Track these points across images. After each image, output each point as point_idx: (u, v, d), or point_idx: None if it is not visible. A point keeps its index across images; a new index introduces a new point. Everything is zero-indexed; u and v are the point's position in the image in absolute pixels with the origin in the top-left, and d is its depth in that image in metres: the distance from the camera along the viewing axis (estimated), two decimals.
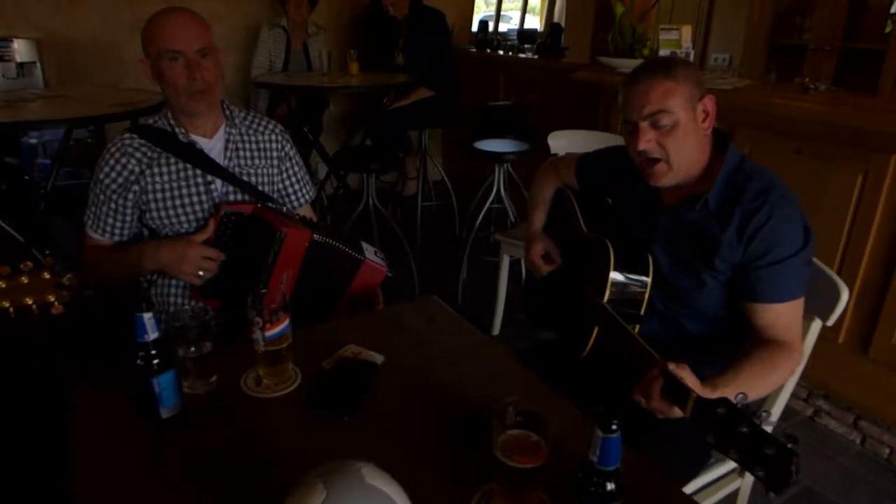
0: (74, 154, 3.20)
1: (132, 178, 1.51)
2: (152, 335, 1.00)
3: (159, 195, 1.53)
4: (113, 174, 1.51)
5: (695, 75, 1.27)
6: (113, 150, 1.52)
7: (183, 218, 1.54)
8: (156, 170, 1.52)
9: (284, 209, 1.64)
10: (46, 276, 1.04)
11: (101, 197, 1.53)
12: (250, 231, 1.49)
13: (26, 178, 3.20)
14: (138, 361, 1.00)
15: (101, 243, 1.58)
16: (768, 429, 1.43)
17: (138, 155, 1.52)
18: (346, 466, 0.68)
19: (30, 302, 1.03)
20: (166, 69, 1.46)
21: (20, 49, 3.39)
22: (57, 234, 3.05)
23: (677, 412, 0.99)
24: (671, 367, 1.01)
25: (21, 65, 3.42)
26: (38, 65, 3.46)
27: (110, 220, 1.55)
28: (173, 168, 1.53)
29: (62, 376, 2.18)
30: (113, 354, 1.09)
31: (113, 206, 1.53)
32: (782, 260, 1.21)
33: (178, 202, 1.53)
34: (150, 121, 1.58)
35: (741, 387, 1.11)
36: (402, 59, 3.96)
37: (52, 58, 3.54)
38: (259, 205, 1.55)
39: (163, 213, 1.53)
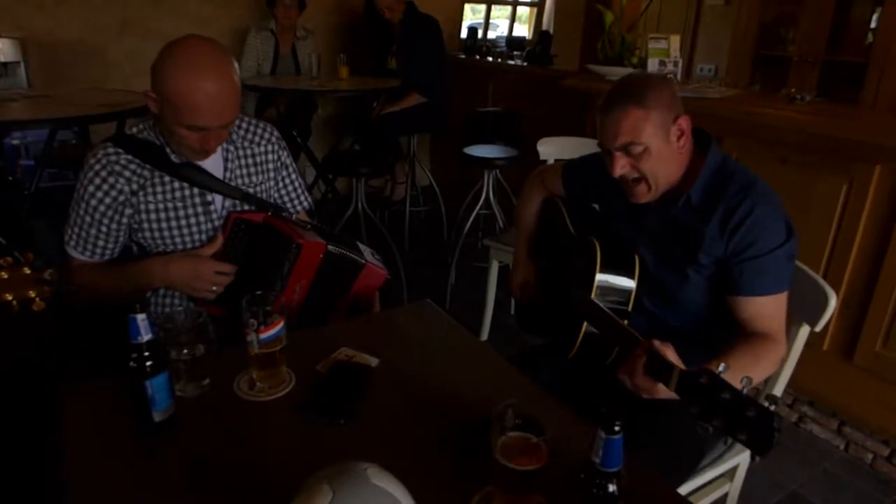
0: (59, 156, 3.15)
1: (122, 198, 1.40)
2: (146, 336, 0.99)
3: (153, 216, 1.43)
4: (99, 194, 1.39)
5: (668, 98, 1.27)
6: (97, 167, 1.38)
7: (178, 240, 1.46)
8: (149, 189, 1.41)
9: (294, 217, 1.60)
10: (27, 271, 1.02)
11: (88, 219, 1.41)
12: (262, 241, 1.45)
13: (10, 178, 3.15)
14: (131, 363, 0.99)
15: (89, 262, 1.47)
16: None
17: (127, 174, 1.39)
18: (351, 467, 0.68)
19: (10, 298, 1.00)
20: (180, 130, 1.33)
21: (3, 48, 3.33)
22: (40, 237, 3.00)
23: (662, 389, 1.00)
24: (656, 343, 1.03)
25: (4, 64, 3.37)
26: (22, 65, 3.41)
27: (101, 243, 1.44)
28: (168, 188, 1.43)
29: (52, 378, 2.14)
30: (104, 355, 1.07)
31: (104, 228, 1.42)
32: (765, 253, 1.24)
33: (174, 223, 1.44)
34: (134, 129, 1.44)
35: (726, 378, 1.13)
36: (395, 63, 3.97)
37: (36, 58, 3.50)
38: (269, 213, 1.49)
39: (157, 234, 1.44)
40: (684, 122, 1.29)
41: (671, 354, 1.03)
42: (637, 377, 1.05)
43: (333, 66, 3.93)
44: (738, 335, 1.27)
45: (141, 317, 0.98)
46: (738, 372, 1.16)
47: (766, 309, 1.26)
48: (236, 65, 1.35)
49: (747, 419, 0.78)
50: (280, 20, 3.80)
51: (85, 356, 1.47)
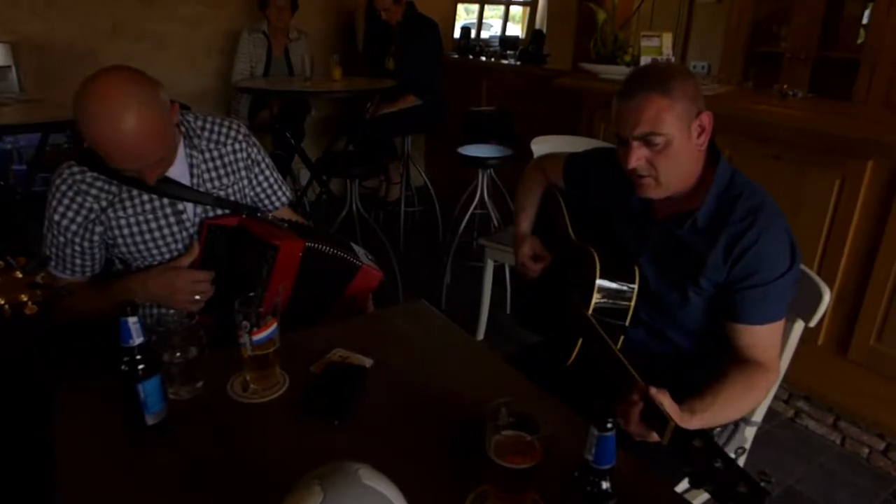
0: (51, 160, 3.14)
1: (92, 216, 1.38)
2: (137, 340, 0.98)
3: (125, 231, 1.41)
4: (70, 214, 1.37)
5: (692, 90, 1.21)
6: (63, 187, 1.36)
7: (155, 252, 1.45)
8: (118, 205, 1.39)
9: (270, 216, 1.59)
10: (19, 275, 1.01)
11: (62, 239, 1.40)
12: (239, 245, 1.44)
13: (2, 183, 3.14)
14: (123, 367, 0.99)
15: (73, 281, 1.45)
16: (752, 430, 1.45)
17: (94, 191, 1.37)
18: (342, 467, 0.68)
19: (2, 302, 1.00)
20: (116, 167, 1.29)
21: None
22: (34, 241, 2.99)
23: (655, 437, 0.98)
24: (652, 391, 1.01)
25: None
26: (14, 69, 3.40)
27: (78, 262, 1.43)
28: (137, 201, 1.40)
29: (45, 381, 2.13)
30: (103, 356, 1.06)
31: (77, 248, 1.41)
32: (767, 283, 1.20)
33: (147, 237, 1.42)
34: None
35: (718, 411, 1.12)
36: (392, 64, 3.96)
37: (28, 62, 3.48)
38: (244, 216, 1.49)
39: (132, 249, 1.43)
40: (706, 119, 1.23)
41: (667, 403, 1.00)
42: (632, 424, 1.02)
43: (326, 67, 3.92)
44: (732, 362, 1.24)
45: (132, 320, 0.98)
46: (732, 401, 1.15)
47: (764, 339, 1.23)
48: (161, 94, 1.28)
49: (738, 494, 0.76)
50: (272, 22, 3.79)
51: (84, 357, 1.46)
